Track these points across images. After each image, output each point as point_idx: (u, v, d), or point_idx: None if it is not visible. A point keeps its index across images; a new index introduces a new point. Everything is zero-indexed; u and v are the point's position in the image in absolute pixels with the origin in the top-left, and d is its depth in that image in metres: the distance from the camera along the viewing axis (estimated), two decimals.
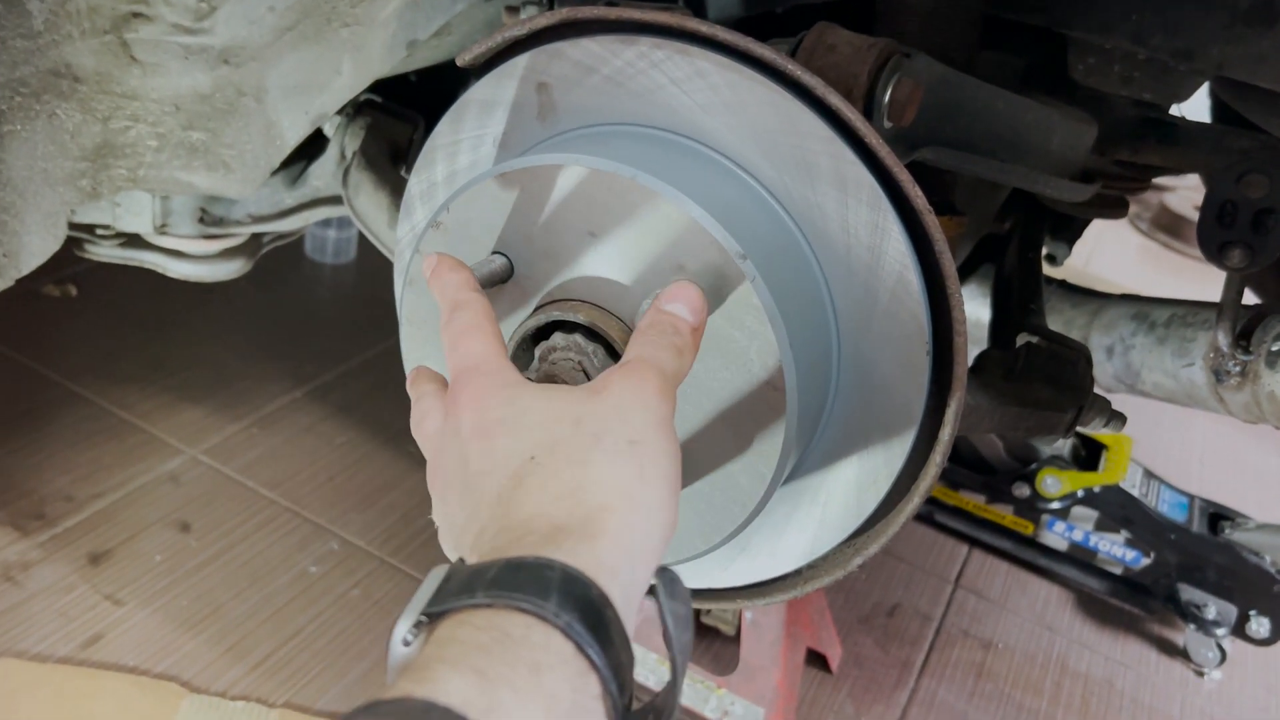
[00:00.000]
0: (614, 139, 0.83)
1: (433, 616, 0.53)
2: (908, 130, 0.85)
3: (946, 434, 0.81)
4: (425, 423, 0.74)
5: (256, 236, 1.55)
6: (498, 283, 0.81)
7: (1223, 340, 1.23)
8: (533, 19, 0.84)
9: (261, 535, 1.77)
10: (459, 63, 0.89)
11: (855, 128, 0.75)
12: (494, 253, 0.81)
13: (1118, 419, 1.04)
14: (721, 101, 0.80)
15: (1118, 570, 1.99)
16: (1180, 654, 1.94)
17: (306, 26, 1.22)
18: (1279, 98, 1.17)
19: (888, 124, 0.83)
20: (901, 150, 0.87)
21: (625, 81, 0.83)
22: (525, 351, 0.82)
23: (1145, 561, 1.96)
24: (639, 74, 0.82)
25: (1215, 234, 1.19)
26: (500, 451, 0.62)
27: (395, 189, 1.34)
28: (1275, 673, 1.94)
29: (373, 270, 2.63)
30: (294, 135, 1.28)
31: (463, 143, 0.92)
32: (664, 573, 0.61)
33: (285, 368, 2.21)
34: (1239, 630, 1.90)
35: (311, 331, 2.37)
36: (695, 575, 0.95)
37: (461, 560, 0.58)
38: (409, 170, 1.48)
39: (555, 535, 0.56)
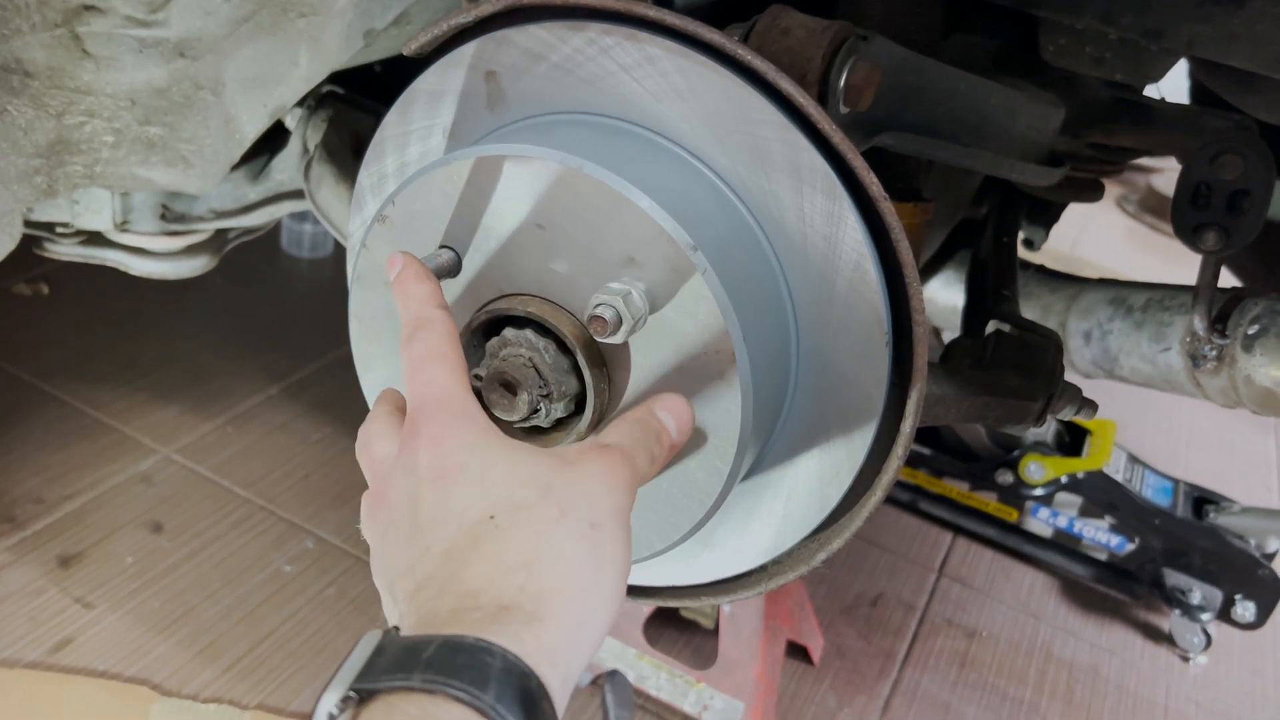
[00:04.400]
0: (562, 128, 0.81)
1: (362, 694, 0.50)
2: (866, 115, 0.83)
3: (908, 426, 0.79)
4: (373, 445, 0.69)
5: (222, 232, 1.53)
6: (445, 277, 0.79)
7: (1199, 325, 1.21)
8: (479, 6, 0.82)
9: (235, 535, 1.75)
10: (405, 51, 0.86)
11: (808, 113, 0.73)
12: (441, 246, 0.79)
13: (1089, 406, 1.02)
14: (672, 88, 0.78)
15: (1102, 556, 1.98)
16: (1165, 639, 1.93)
17: (262, 17, 1.20)
18: (1254, 77, 1.15)
19: (844, 109, 0.81)
20: (860, 136, 0.85)
21: (574, 69, 0.80)
22: (475, 348, 0.80)
23: (1130, 547, 1.94)
24: (588, 61, 0.80)
25: (1189, 216, 1.17)
26: (457, 501, 0.59)
27: None
28: (1260, 656, 1.93)
29: None
30: (253, 129, 1.26)
31: (412, 134, 0.89)
32: (614, 676, 0.59)
33: (260, 364, 2.19)
34: (1224, 614, 1.89)
35: (287, 327, 2.35)
36: (660, 573, 0.93)
37: (395, 629, 0.54)
38: None
39: (501, 614, 0.53)
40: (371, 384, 0.88)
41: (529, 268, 0.77)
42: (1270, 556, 1.90)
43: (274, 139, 1.42)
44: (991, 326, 1.07)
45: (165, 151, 1.28)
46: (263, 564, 1.70)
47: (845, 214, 0.75)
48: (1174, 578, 1.91)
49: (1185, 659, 1.89)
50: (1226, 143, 1.15)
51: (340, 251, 2.63)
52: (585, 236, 0.74)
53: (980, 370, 0.99)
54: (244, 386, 2.11)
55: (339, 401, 2.11)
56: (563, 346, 0.77)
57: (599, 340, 0.71)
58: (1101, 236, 3.59)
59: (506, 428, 0.80)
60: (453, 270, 0.79)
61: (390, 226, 0.81)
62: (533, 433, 0.81)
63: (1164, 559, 1.92)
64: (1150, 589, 1.94)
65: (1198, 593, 1.88)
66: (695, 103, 0.77)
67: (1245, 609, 1.88)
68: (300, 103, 1.36)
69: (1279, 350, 1.16)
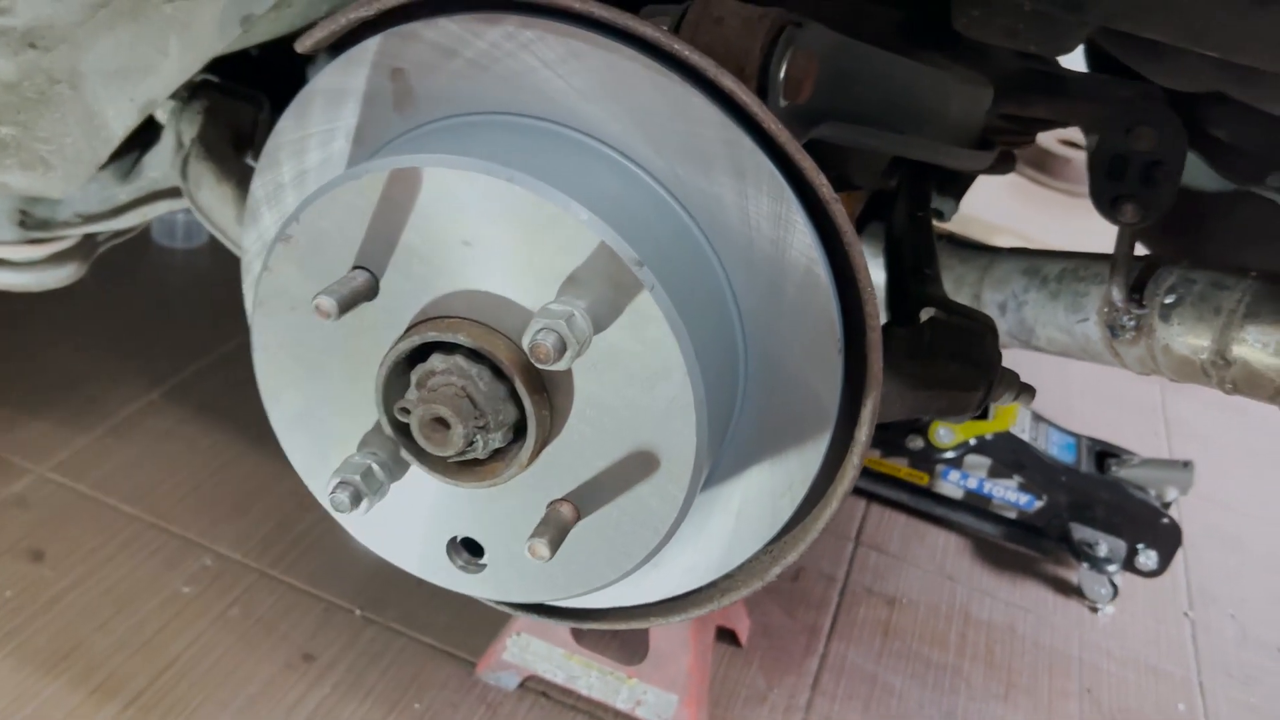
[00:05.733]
0: (483, 131, 0.74)
1: None
2: (802, 106, 0.79)
3: (864, 435, 0.76)
4: None
5: (90, 237, 1.40)
6: (361, 301, 0.72)
7: (1117, 295, 1.21)
8: None
9: (125, 557, 1.63)
10: (298, 49, 0.78)
11: (753, 113, 0.68)
12: (355, 267, 0.72)
13: (1027, 391, 1.00)
14: (601, 85, 0.72)
15: (1012, 514, 2.01)
16: (1075, 592, 1.98)
17: (122, 2, 1.09)
18: (1160, 44, 1.15)
19: (783, 102, 0.76)
20: (797, 129, 0.81)
21: (491, 65, 0.74)
22: (399, 376, 0.74)
23: (1038, 504, 1.98)
24: (506, 56, 0.73)
25: (1107, 188, 1.16)
26: None
27: (242, 179, 1.21)
28: (1162, 603, 2.00)
29: (229, 253, 2.45)
30: (121, 125, 1.15)
31: (311, 138, 0.81)
32: None
33: (137, 367, 2.04)
34: (1128, 564, 1.94)
35: (164, 325, 2.20)
36: (605, 594, 0.88)
37: None
38: (256, 156, 1.35)
39: None
40: (281, 416, 0.80)
41: (456, 288, 0.71)
42: (1168, 505, 1.97)
43: (145, 133, 1.30)
44: (924, 314, 1.04)
45: (20, 153, 1.16)
46: (158, 587, 1.59)
47: (794, 217, 0.71)
48: (1081, 531, 1.95)
49: (1094, 610, 1.95)
50: (1140, 114, 1.14)
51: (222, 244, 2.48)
52: (518, 253, 0.68)
53: (918, 360, 0.97)
54: (121, 393, 1.97)
55: (227, 403, 1.99)
56: (498, 373, 0.71)
57: (539, 366, 0.66)
58: (986, 192, 3.65)
59: (440, 464, 0.74)
60: (369, 293, 0.72)
61: (295, 247, 0.73)
62: (469, 465, 0.74)
63: (1070, 514, 1.97)
64: (1058, 544, 1.98)
65: (1104, 545, 1.93)
66: (628, 101, 0.71)
67: (1148, 558, 1.93)
68: (172, 94, 1.25)
69: (1195, 319, 1.17)
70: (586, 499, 0.74)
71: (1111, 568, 1.93)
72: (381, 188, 0.69)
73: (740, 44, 0.74)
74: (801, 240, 0.72)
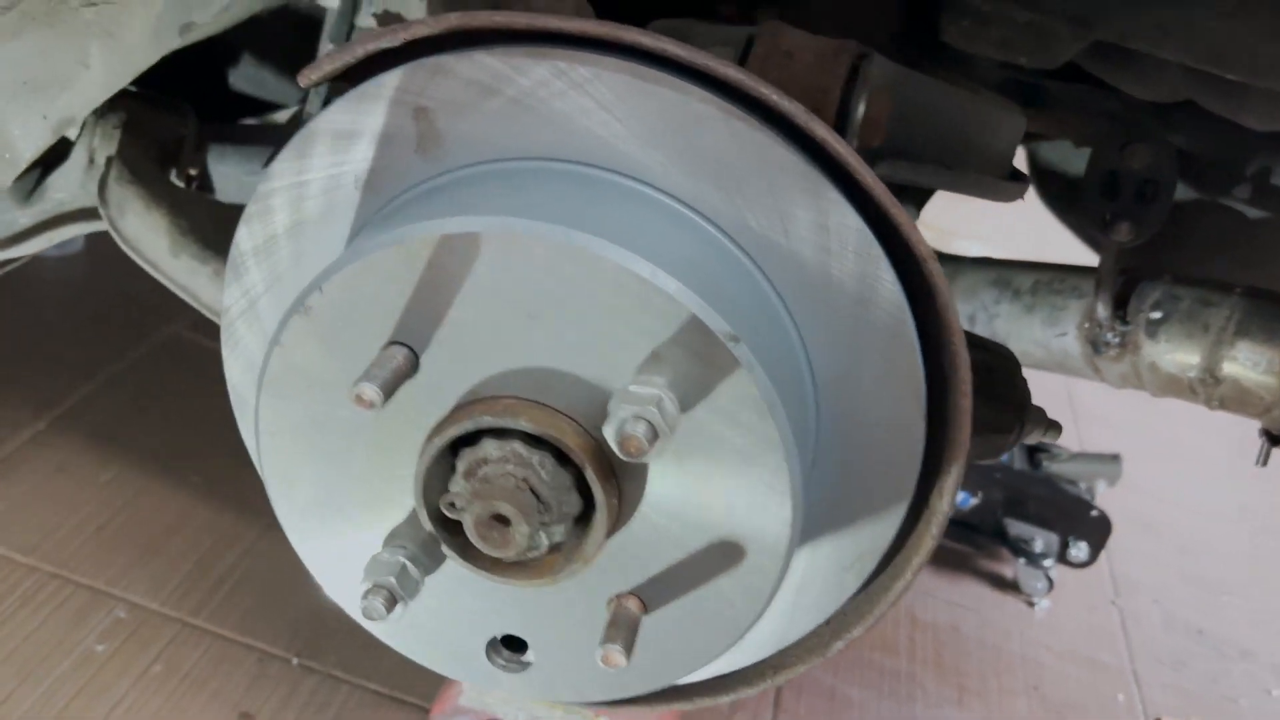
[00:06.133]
0: (531, 181, 0.65)
1: None
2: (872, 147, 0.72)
3: (945, 505, 0.71)
4: None
5: None
6: (403, 382, 0.62)
7: (1102, 311, 1.20)
8: (409, 26, 0.64)
9: (26, 614, 1.47)
10: (302, 83, 0.67)
11: (847, 163, 0.62)
12: (391, 343, 0.62)
13: (1054, 428, 0.97)
14: (665, 129, 0.64)
15: None
16: (1011, 586, 2.00)
17: (31, 4, 0.95)
18: (1137, 56, 1.13)
19: (855, 144, 0.69)
20: None
21: (537, 105, 0.65)
22: (442, 462, 0.64)
23: (974, 501, 2.00)
24: (555, 96, 0.64)
25: (1101, 207, 1.14)
26: None
27: (174, 205, 1.07)
28: (1091, 592, 2.05)
29: (110, 258, 2.24)
30: (30, 146, 1.02)
31: (311, 184, 0.70)
32: None
33: (18, 395, 1.85)
34: (1060, 556, 1.98)
35: (44, 344, 2.00)
36: None
37: None
38: (181, 174, 1.21)
39: None
40: (292, 508, 0.70)
41: (511, 366, 0.62)
42: (1094, 497, 2.01)
43: (49, 149, 1.14)
44: None
45: None
46: (67, 646, 1.43)
47: (882, 275, 0.65)
48: (1016, 527, 1.97)
49: (1030, 604, 1.98)
50: (1134, 132, 1.12)
51: (94, 243, 2.26)
52: (592, 328, 0.60)
53: None
54: (1, 426, 1.77)
55: (125, 429, 1.82)
56: (563, 459, 0.62)
57: (628, 460, 0.58)
58: None
59: (493, 563, 0.65)
60: (409, 371, 0.63)
61: (317, 320, 0.63)
62: (522, 562, 0.66)
63: (1005, 510, 1.99)
64: (993, 539, 2.00)
65: (1039, 540, 1.96)
66: (696, 147, 0.63)
67: (1079, 549, 1.97)
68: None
69: (1184, 337, 1.16)
70: (655, 592, 0.67)
71: (1047, 562, 1.96)
72: (429, 254, 0.60)
73: (815, 81, 0.67)
74: (889, 300, 0.65)
